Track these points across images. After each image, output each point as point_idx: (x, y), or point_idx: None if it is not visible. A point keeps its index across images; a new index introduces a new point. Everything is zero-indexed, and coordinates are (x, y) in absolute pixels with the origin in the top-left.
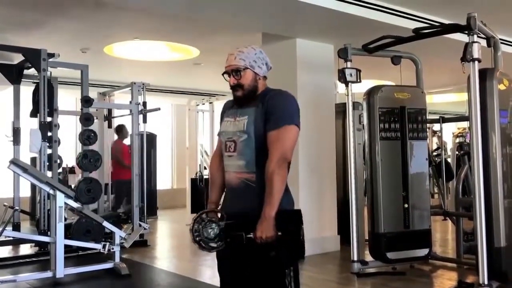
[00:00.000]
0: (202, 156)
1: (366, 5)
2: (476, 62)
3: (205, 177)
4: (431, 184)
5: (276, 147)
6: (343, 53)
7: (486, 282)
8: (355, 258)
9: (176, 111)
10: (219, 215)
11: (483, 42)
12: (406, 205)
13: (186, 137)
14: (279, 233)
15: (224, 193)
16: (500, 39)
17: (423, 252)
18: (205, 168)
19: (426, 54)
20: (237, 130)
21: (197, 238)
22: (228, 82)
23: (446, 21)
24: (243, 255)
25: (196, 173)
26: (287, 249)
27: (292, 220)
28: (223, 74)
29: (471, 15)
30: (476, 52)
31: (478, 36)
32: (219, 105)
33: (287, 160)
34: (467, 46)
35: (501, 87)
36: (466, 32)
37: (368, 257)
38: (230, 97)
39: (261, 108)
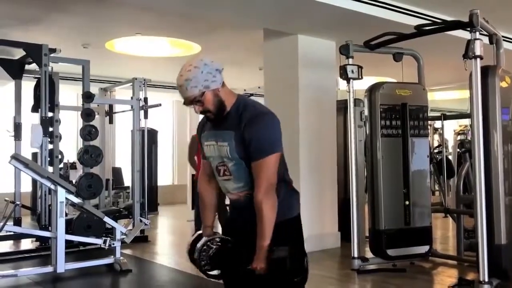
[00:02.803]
0: None
1: (368, 2)
2: (478, 59)
3: None
4: (432, 181)
5: (260, 176)
6: (344, 50)
7: (486, 280)
8: (355, 255)
9: (177, 107)
10: (217, 239)
11: (485, 40)
12: (407, 202)
13: (187, 133)
14: (274, 251)
15: (229, 213)
16: (503, 36)
17: (424, 249)
18: None
19: (428, 51)
20: (222, 156)
21: (206, 267)
22: (194, 111)
23: (449, 18)
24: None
25: None
26: (297, 260)
27: (290, 232)
28: (184, 104)
29: (474, 12)
30: (478, 49)
31: (480, 33)
32: None
33: (273, 185)
34: (469, 43)
35: (503, 84)
36: (469, 29)
37: (369, 254)
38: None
39: (239, 133)
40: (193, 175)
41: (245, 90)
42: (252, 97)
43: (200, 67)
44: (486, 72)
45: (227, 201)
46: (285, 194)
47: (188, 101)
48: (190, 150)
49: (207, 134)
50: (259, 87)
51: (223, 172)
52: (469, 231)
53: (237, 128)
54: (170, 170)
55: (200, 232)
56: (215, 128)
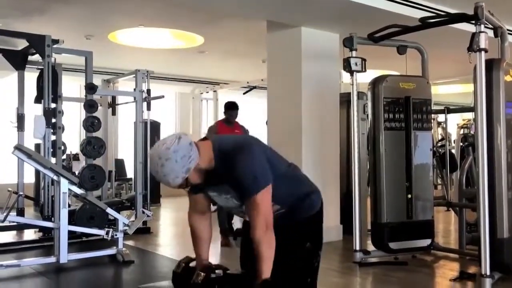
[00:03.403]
0: None
1: None
2: (483, 52)
3: None
4: (435, 175)
5: (253, 215)
6: (348, 42)
7: (488, 273)
8: (357, 248)
9: (180, 99)
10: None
11: (490, 33)
12: (409, 196)
13: (190, 125)
14: (308, 244)
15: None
16: (508, 29)
17: (426, 242)
18: None
19: (432, 45)
20: (232, 207)
21: None
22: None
23: (453, 11)
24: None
25: None
26: (318, 238)
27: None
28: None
29: (479, 4)
30: (483, 42)
31: (485, 26)
32: (223, 93)
33: (270, 222)
34: (474, 36)
35: (508, 78)
36: (473, 22)
37: (371, 247)
38: (234, 86)
39: (232, 183)
40: None
41: (248, 82)
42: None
43: (172, 158)
44: (491, 65)
45: None
46: (300, 196)
47: (175, 187)
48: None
49: (207, 186)
50: (262, 80)
51: (239, 213)
52: (471, 224)
53: (228, 178)
54: None
55: (188, 262)
56: (212, 181)
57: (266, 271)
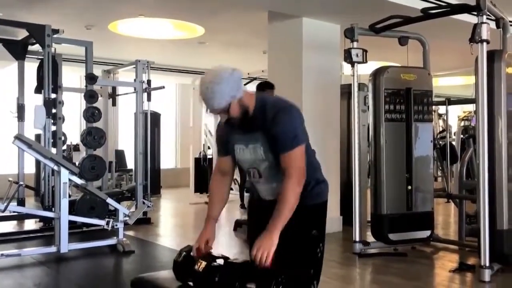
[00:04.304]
0: (206, 136)
1: None
2: (485, 43)
3: (208, 156)
4: (435, 166)
5: (292, 166)
6: (349, 33)
7: (487, 264)
8: (357, 239)
9: (180, 90)
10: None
11: (492, 24)
12: (409, 187)
13: (190, 117)
14: (314, 231)
15: (256, 199)
16: (510, 20)
17: (425, 234)
18: (209, 147)
19: (434, 36)
20: (255, 159)
21: None
22: (219, 118)
23: (455, 2)
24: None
25: (200, 153)
26: (323, 228)
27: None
28: (207, 111)
29: None
30: (485, 33)
31: (487, 17)
32: None
33: (303, 175)
34: (476, 27)
35: (510, 70)
36: (475, 12)
37: (370, 238)
38: None
39: (267, 134)
40: (196, 159)
41: (248, 73)
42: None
43: (223, 82)
44: (492, 56)
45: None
46: (311, 181)
47: (214, 112)
48: None
49: (235, 136)
50: (262, 71)
51: (253, 174)
52: (470, 216)
53: (264, 127)
54: (173, 153)
55: (189, 251)
56: (243, 131)
57: (284, 218)
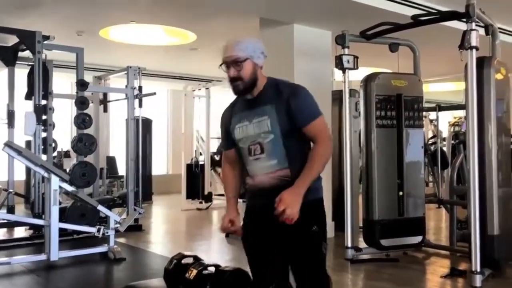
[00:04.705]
0: (198, 142)
1: None
2: (474, 50)
3: (200, 162)
4: (426, 172)
5: (320, 135)
6: (340, 40)
7: (478, 270)
8: (349, 245)
9: (172, 97)
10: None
11: (482, 31)
12: (400, 193)
13: (182, 123)
14: (315, 227)
15: (249, 197)
16: (499, 27)
17: (417, 239)
18: (200, 154)
19: (424, 42)
20: (260, 132)
21: None
22: (227, 74)
23: (445, 9)
24: (281, 232)
25: (192, 159)
26: (323, 225)
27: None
28: (220, 65)
29: (470, 2)
30: (474, 40)
31: (476, 24)
32: (215, 90)
33: (331, 141)
34: (465, 34)
35: (498, 76)
36: (465, 19)
37: (362, 244)
38: (226, 83)
39: (282, 106)
40: (187, 165)
41: None
42: None
43: (253, 41)
44: (482, 63)
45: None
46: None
47: (230, 60)
48: None
49: (238, 116)
50: None
51: (254, 151)
52: (462, 221)
53: (277, 100)
54: (165, 159)
55: (180, 259)
56: (249, 107)
57: (310, 179)
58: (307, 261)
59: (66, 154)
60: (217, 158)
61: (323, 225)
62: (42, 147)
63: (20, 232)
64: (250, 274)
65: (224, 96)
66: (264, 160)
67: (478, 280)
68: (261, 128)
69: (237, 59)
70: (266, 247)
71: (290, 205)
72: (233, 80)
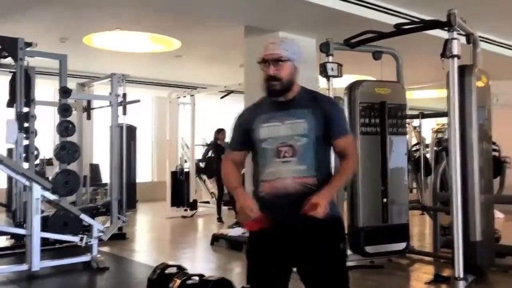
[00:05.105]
0: (183, 149)
1: (349, 0)
2: (456, 58)
3: (185, 170)
4: (410, 179)
5: (352, 152)
6: (325, 47)
7: (461, 276)
8: None
9: (156, 104)
10: None
11: (463, 39)
12: (384, 200)
13: (166, 130)
14: (342, 245)
15: (264, 207)
16: (479, 36)
17: (401, 246)
18: (185, 161)
19: (407, 50)
20: (293, 134)
21: None
22: (264, 72)
23: (427, 17)
24: (304, 247)
25: (177, 166)
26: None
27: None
28: (259, 63)
29: (452, 11)
30: (455, 49)
31: (458, 33)
32: (200, 98)
33: (358, 160)
34: (447, 43)
35: (479, 84)
36: (446, 28)
37: (347, 251)
38: (211, 90)
39: (318, 113)
40: (172, 172)
41: (225, 86)
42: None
43: (297, 45)
44: (463, 71)
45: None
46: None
47: (271, 58)
48: None
49: (266, 116)
50: (239, 84)
51: (284, 153)
52: (445, 228)
53: (315, 106)
54: (149, 166)
55: (164, 268)
56: (280, 109)
57: (344, 180)
58: (333, 278)
59: (49, 162)
60: (202, 165)
61: (345, 243)
62: (24, 155)
63: (1, 242)
64: (234, 284)
65: (208, 103)
66: (294, 164)
67: (461, 286)
68: (296, 130)
69: (280, 57)
70: (278, 268)
71: (320, 200)
72: (270, 79)
